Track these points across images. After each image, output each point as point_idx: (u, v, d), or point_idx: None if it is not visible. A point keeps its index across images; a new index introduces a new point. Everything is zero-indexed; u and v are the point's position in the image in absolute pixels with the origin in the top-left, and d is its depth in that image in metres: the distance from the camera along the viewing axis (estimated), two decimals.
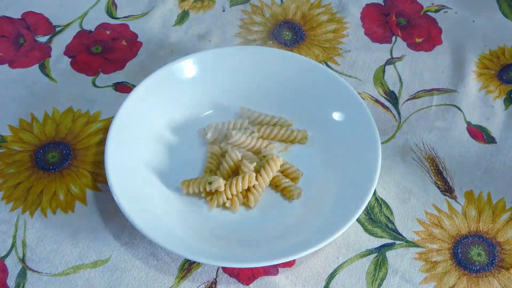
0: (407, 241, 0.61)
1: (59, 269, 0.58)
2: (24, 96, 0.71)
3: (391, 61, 0.76)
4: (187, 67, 0.68)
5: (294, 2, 0.82)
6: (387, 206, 0.64)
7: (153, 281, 0.58)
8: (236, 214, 0.62)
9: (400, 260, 0.60)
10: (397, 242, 0.61)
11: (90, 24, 0.78)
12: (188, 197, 0.62)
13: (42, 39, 0.77)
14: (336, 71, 0.74)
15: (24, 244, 0.60)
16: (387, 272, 0.59)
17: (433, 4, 0.83)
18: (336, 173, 0.63)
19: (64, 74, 0.73)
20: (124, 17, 0.79)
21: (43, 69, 0.74)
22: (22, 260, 0.59)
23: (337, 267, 0.59)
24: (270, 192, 0.64)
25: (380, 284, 0.58)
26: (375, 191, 0.64)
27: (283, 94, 0.69)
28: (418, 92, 0.73)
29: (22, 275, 0.58)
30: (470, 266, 0.60)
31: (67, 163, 0.66)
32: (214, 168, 0.64)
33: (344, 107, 0.66)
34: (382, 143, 0.64)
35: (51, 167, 0.65)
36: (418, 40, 0.79)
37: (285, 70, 0.69)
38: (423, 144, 0.68)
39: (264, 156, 0.64)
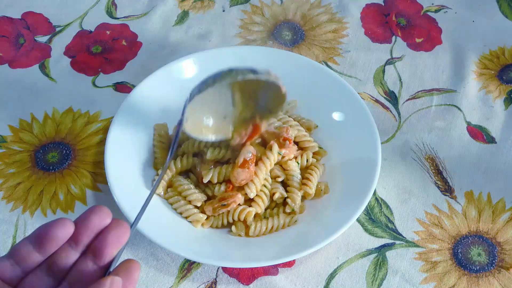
0: (407, 241, 0.61)
1: None
2: (24, 96, 0.71)
3: (391, 61, 0.76)
4: (187, 67, 0.68)
5: (294, 2, 0.82)
6: (387, 206, 0.64)
7: (153, 281, 0.58)
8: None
9: (400, 260, 0.60)
10: (397, 242, 0.61)
11: (90, 24, 0.78)
12: None
13: (42, 39, 0.77)
14: (336, 71, 0.73)
15: None
16: (387, 272, 0.59)
17: (433, 4, 0.83)
18: (336, 173, 0.63)
19: (64, 74, 0.73)
20: (124, 17, 0.79)
21: (43, 69, 0.74)
22: None
23: (337, 267, 0.59)
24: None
25: (380, 284, 0.58)
26: (375, 191, 0.64)
27: None
28: (418, 92, 0.73)
29: None
30: (470, 266, 0.60)
31: (67, 163, 0.66)
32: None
33: (344, 107, 0.66)
34: (382, 143, 0.64)
35: (51, 167, 0.65)
36: (418, 40, 0.79)
37: (285, 70, 0.68)
38: (423, 144, 0.68)
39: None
